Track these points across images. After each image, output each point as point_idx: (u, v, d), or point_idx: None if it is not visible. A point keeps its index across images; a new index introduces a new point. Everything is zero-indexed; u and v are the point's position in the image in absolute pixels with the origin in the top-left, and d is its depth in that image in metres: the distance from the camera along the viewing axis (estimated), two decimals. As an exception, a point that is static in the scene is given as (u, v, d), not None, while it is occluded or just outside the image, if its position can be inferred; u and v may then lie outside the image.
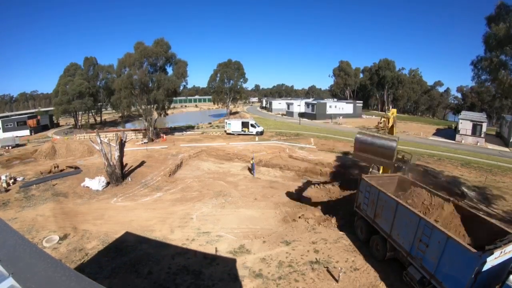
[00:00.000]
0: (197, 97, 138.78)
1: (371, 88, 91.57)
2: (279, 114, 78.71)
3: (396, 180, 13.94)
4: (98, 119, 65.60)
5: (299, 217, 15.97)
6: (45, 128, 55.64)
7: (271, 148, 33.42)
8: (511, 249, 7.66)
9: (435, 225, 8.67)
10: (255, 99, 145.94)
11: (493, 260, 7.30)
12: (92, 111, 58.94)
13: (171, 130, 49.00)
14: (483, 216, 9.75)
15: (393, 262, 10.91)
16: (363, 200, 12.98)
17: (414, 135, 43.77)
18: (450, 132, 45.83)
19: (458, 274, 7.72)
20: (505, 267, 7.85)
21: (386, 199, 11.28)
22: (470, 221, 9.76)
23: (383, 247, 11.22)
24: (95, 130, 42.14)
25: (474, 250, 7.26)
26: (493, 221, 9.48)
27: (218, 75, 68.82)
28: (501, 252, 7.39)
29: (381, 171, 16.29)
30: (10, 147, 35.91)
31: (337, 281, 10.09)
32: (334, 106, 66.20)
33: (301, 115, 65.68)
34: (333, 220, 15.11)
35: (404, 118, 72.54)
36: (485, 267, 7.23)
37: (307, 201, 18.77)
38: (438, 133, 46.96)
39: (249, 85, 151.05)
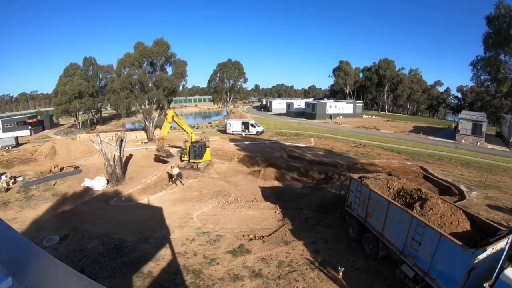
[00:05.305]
0: (197, 97, 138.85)
1: (370, 87, 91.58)
2: (279, 114, 78.73)
3: (385, 179, 13.96)
4: (98, 117, 65.83)
5: (299, 216, 15.97)
6: (44, 127, 55.69)
7: (271, 148, 33.39)
8: (502, 245, 7.87)
9: (427, 224, 8.72)
10: (255, 99, 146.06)
11: (485, 256, 7.45)
12: (92, 110, 59.06)
13: (171, 130, 48.96)
14: (471, 212, 9.80)
15: (394, 262, 10.90)
16: (353, 199, 13.01)
17: (414, 135, 43.82)
18: (450, 132, 45.90)
19: (451, 271, 7.83)
20: (496, 262, 8.05)
21: (377, 198, 11.28)
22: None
23: (376, 245, 11.25)
24: (94, 130, 42.17)
25: (467, 248, 7.36)
26: (482, 217, 9.57)
27: (218, 75, 68.81)
28: (493, 248, 7.57)
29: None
30: (10, 147, 35.93)
31: (337, 281, 10.09)
32: (334, 106, 66.19)
33: (301, 114, 65.69)
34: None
35: (403, 118, 72.57)
36: (478, 264, 7.37)
37: None
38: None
39: (249, 85, 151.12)
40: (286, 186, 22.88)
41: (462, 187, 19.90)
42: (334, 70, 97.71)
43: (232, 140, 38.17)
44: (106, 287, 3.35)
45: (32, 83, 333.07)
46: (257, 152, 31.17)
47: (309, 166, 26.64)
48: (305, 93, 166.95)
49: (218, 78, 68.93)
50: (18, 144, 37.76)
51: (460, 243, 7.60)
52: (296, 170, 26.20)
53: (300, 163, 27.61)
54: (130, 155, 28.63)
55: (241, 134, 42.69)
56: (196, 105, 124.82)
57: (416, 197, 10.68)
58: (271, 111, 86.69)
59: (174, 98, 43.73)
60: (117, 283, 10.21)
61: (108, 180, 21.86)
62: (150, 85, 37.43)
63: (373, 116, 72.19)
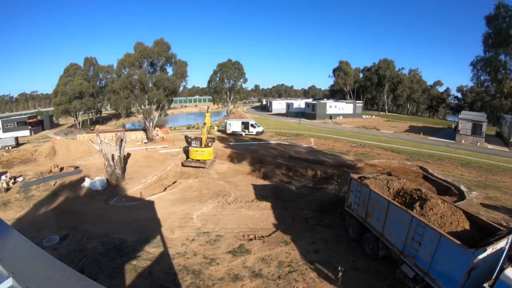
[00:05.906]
0: (197, 97, 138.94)
1: (370, 88, 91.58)
2: (279, 114, 78.74)
3: (385, 179, 13.96)
4: (98, 117, 65.96)
5: (299, 217, 15.97)
6: (44, 128, 55.69)
7: (270, 149, 33.40)
8: (502, 245, 7.89)
9: (427, 224, 8.73)
10: (255, 99, 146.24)
11: (485, 256, 7.46)
12: (92, 111, 59.13)
13: (171, 130, 49.03)
14: (471, 212, 9.81)
15: (394, 262, 10.91)
16: (353, 199, 13.05)
17: (414, 135, 43.82)
18: (450, 132, 45.89)
19: (451, 271, 7.84)
20: (496, 262, 8.06)
21: (377, 198, 11.30)
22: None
23: (376, 245, 11.27)
24: (94, 130, 42.18)
25: (467, 248, 7.37)
26: (482, 217, 9.61)
27: (218, 75, 68.81)
28: (493, 248, 7.59)
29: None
30: (10, 147, 35.93)
31: (337, 281, 10.08)
32: (334, 106, 66.13)
33: (301, 115, 65.69)
34: None
35: (403, 118, 72.55)
36: (478, 264, 7.38)
37: None
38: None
39: (249, 85, 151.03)
40: (286, 186, 22.90)
41: (462, 187, 19.90)
42: (334, 70, 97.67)
43: (231, 141, 38.19)
44: (106, 287, 3.35)
45: (32, 83, 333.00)
46: (256, 153, 31.18)
47: (310, 166, 26.64)
48: (305, 93, 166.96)
49: (218, 78, 68.91)
50: (18, 144, 37.76)
51: (460, 243, 7.61)
52: (295, 170, 26.21)
53: (301, 163, 27.61)
54: (130, 155, 28.65)
55: (241, 134, 42.70)
56: (196, 105, 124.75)
57: (416, 197, 10.69)
58: (271, 111, 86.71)
59: (174, 98, 43.66)
60: (117, 283, 10.22)
61: (108, 180, 21.87)
62: (150, 85, 37.39)
63: (373, 116, 72.16)
